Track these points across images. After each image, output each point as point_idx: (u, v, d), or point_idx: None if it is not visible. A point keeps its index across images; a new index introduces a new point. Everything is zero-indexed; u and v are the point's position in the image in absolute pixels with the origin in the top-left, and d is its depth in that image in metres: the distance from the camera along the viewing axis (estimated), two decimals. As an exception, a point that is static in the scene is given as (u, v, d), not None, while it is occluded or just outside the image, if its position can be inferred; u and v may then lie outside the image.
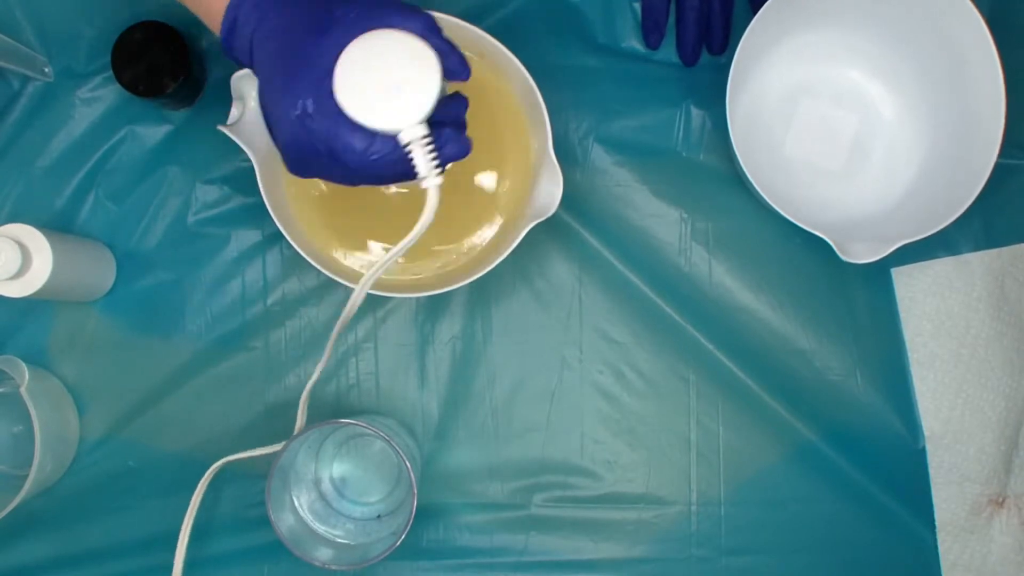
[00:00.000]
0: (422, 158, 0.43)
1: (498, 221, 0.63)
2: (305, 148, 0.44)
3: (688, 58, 0.65)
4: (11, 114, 0.66)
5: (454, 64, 0.44)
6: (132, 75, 0.61)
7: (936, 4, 0.59)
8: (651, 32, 0.65)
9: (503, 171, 0.62)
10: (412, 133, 0.43)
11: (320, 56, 0.43)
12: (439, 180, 0.44)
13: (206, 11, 0.48)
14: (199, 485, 0.61)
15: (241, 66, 0.49)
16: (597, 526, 0.66)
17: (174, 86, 0.61)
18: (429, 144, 0.43)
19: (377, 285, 0.59)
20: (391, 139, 0.43)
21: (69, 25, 0.66)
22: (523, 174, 0.61)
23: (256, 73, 0.46)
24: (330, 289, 0.66)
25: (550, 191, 0.57)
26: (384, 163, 0.43)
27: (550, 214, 0.56)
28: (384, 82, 0.42)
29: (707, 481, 0.65)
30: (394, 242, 0.62)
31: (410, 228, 0.46)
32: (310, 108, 0.42)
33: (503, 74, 0.60)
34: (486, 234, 0.63)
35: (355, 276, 0.61)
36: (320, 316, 0.66)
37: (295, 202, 0.61)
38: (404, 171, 0.44)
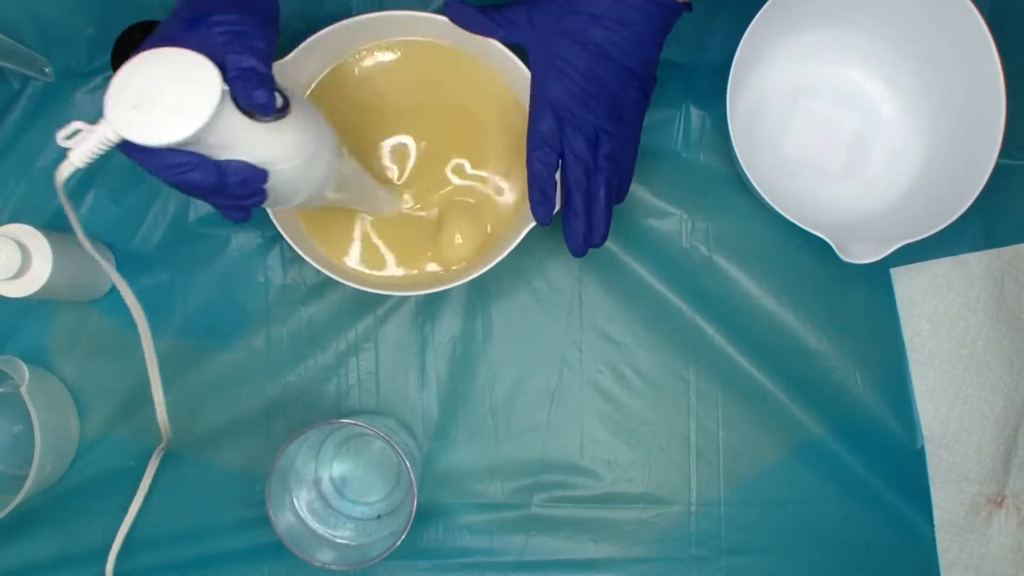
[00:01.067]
0: (88, 143, 0.42)
1: (498, 221, 0.63)
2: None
3: (577, 248, 0.57)
4: (11, 114, 0.66)
5: (256, 97, 0.42)
6: None
7: (936, 4, 0.59)
8: (538, 205, 0.56)
9: (503, 172, 0.62)
10: (107, 132, 0.42)
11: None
12: (80, 164, 0.43)
13: None
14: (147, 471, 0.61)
15: None
16: (597, 526, 0.66)
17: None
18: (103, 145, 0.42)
19: (375, 283, 0.59)
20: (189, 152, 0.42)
21: (69, 25, 0.65)
22: (523, 175, 0.61)
23: None
24: (331, 288, 0.66)
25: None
26: (196, 175, 0.42)
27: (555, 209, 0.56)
28: (151, 98, 0.41)
29: (707, 481, 0.65)
30: (393, 242, 0.62)
31: (408, 225, 0.45)
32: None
33: (504, 75, 0.60)
34: (484, 235, 0.63)
35: (356, 276, 0.61)
36: (321, 315, 0.66)
37: None
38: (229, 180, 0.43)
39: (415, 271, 0.62)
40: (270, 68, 0.44)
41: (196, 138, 0.41)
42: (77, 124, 0.43)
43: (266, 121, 0.43)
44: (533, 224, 0.57)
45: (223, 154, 0.43)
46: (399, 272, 0.62)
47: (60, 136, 0.43)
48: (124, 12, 0.63)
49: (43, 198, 0.66)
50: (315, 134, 0.47)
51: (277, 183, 0.45)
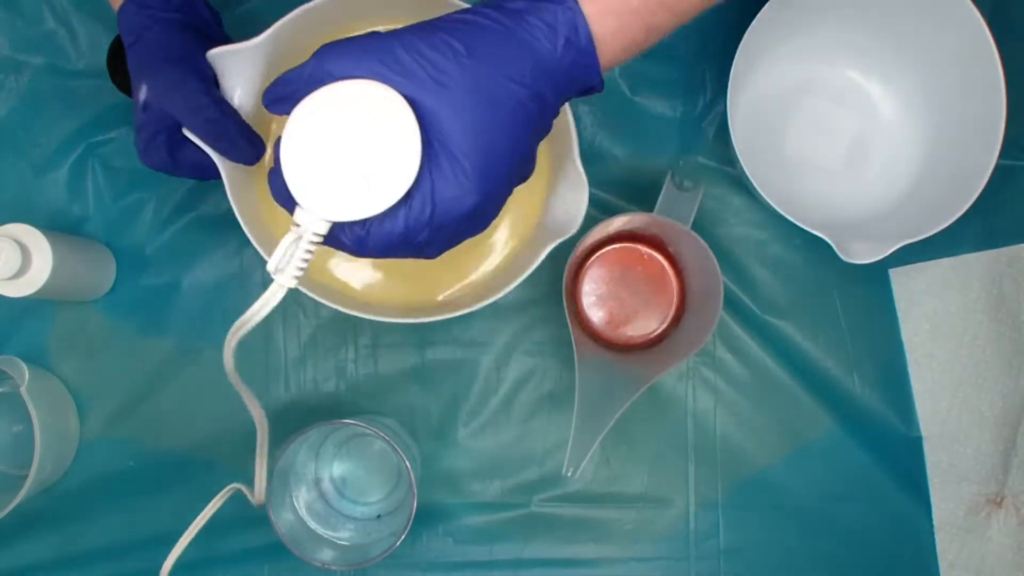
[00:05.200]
0: (296, 256, 0.37)
1: (508, 245, 0.59)
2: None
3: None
4: (10, 114, 0.66)
5: None
6: (128, 77, 0.61)
7: (936, 4, 0.59)
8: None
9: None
10: (313, 224, 0.36)
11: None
12: (292, 283, 0.38)
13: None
14: (211, 504, 0.58)
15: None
16: (596, 526, 0.66)
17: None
18: (312, 246, 0.37)
19: (376, 311, 0.55)
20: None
21: (66, 26, 0.65)
22: (535, 188, 0.57)
23: None
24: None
25: (573, 205, 0.51)
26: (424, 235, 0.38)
27: (572, 232, 0.52)
28: (344, 162, 0.35)
29: (705, 481, 0.65)
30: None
31: None
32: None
33: None
34: (492, 262, 0.59)
35: (336, 293, 0.57)
36: (320, 314, 0.66)
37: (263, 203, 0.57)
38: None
39: (420, 304, 0.59)
40: None
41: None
42: (285, 241, 0.37)
43: None
44: (554, 244, 0.52)
45: None
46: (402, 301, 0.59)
47: (272, 264, 0.38)
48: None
49: (43, 198, 0.66)
50: None
51: None
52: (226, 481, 0.65)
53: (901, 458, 0.65)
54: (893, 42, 0.64)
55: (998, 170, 0.57)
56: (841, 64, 0.66)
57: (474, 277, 0.60)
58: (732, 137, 0.59)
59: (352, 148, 0.35)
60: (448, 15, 0.38)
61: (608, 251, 0.63)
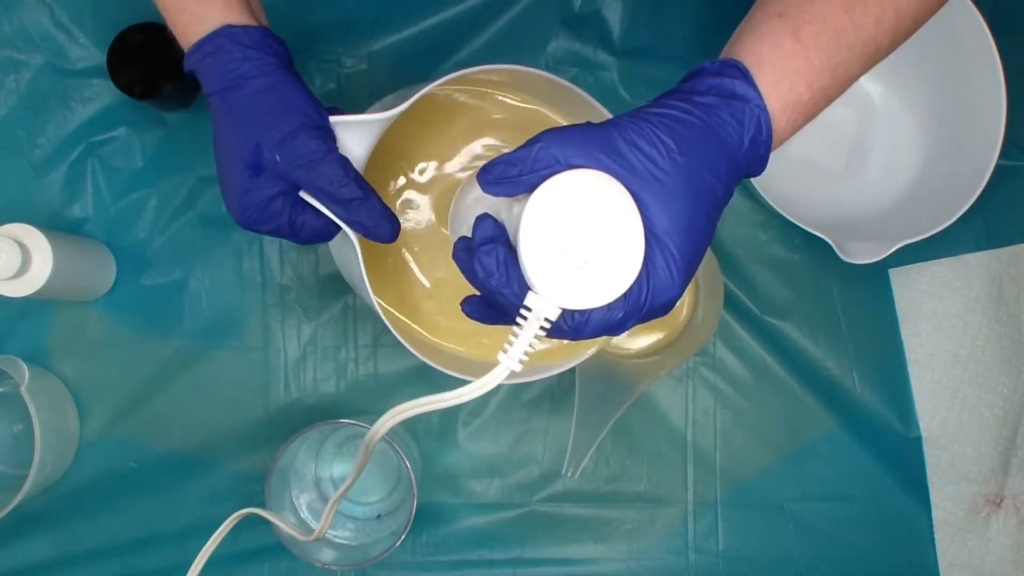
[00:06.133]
0: (523, 339, 0.37)
1: None
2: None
3: None
4: (10, 114, 0.66)
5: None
6: (128, 77, 0.61)
7: (936, 4, 0.59)
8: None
9: None
10: (545, 310, 0.36)
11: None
12: (518, 367, 0.38)
13: (180, 35, 0.46)
14: (221, 528, 0.56)
15: None
16: (596, 525, 0.66)
17: (170, 88, 0.61)
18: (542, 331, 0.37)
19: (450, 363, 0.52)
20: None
21: (66, 26, 0.65)
22: None
23: None
24: (329, 288, 0.66)
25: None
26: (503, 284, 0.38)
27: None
28: (574, 246, 0.36)
29: (704, 481, 0.65)
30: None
31: None
32: None
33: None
34: None
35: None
36: (320, 314, 0.66)
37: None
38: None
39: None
40: None
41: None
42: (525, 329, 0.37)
43: None
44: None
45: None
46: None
47: (511, 359, 0.38)
48: (121, 14, 0.63)
49: (43, 198, 0.66)
50: None
51: None
52: (226, 481, 0.65)
53: (901, 458, 0.65)
54: (893, 42, 0.63)
55: (998, 170, 0.57)
56: (841, 64, 0.66)
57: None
58: (732, 137, 0.59)
59: (586, 239, 0.36)
60: (645, 108, 0.39)
61: None
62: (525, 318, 0.37)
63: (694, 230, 0.38)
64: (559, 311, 0.37)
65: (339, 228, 0.46)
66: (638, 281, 0.37)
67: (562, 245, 0.36)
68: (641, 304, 0.38)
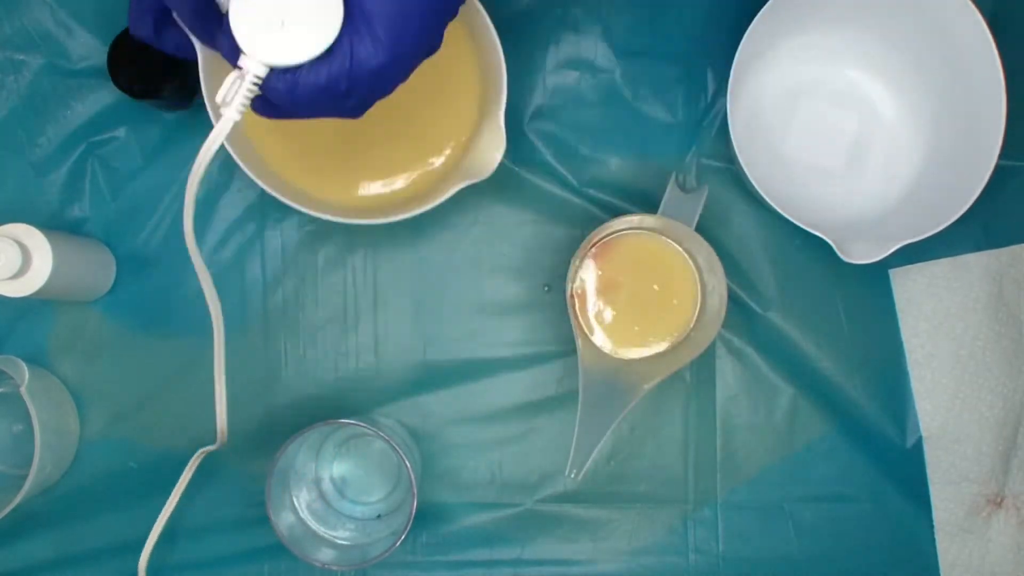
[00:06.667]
0: (240, 94, 0.43)
1: (436, 166, 0.62)
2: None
3: None
4: (10, 114, 0.66)
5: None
6: (128, 77, 0.61)
7: (936, 4, 0.59)
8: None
9: (445, 118, 0.61)
10: (253, 67, 0.42)
11: None
12: (238, 117, 0.44)
13: None
14: (184, 473, 0.61)
15: None
16: (596, 526, 0.66)
17: (170, 88, 0.61)
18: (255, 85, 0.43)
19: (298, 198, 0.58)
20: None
21: (67, 26, 0.65)
22: (460, 132, 0.61)
23: None
24: (329, 288, 0.66)
25: (489, 154, 0.56)
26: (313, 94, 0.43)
27: (484, 177, 0.56)
28: (277, 14, 0.42)
29: (705, 481, 0.65)
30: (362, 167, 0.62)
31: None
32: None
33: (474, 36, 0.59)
34: (420, 175, 0.62)
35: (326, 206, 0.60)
36: (320, 315, 0.66)
37: (251, 128, 0.60)
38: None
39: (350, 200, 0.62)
40: None
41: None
42: (229, 78, 0.43)
43: None
44: (465, 184, 0.55)
45: None
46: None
47: (219, 97, 0.43)
48: (121, 13, 0.63)
49: (43, 198, 0.66)
50: None
51: None
52: (226, 481, 0.65)
53: (901, 459, 0.65)
54: (893, 42, 0.64)
55: (998, 170, 0.57)
56: (841, 64, 0.66)
57: (396, 186, 0.62)
58: (732, 138, 0.59)
59: (287, 7, 0.42)
60: None
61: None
62: (242, 79, 0.43)
63: (400, 10, 0.42)
64: (266, 69, 0.42)
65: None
66: (340, 49, 0.42)
67: (262, 7, 0.42)
68: (346, 70, 0.42)
